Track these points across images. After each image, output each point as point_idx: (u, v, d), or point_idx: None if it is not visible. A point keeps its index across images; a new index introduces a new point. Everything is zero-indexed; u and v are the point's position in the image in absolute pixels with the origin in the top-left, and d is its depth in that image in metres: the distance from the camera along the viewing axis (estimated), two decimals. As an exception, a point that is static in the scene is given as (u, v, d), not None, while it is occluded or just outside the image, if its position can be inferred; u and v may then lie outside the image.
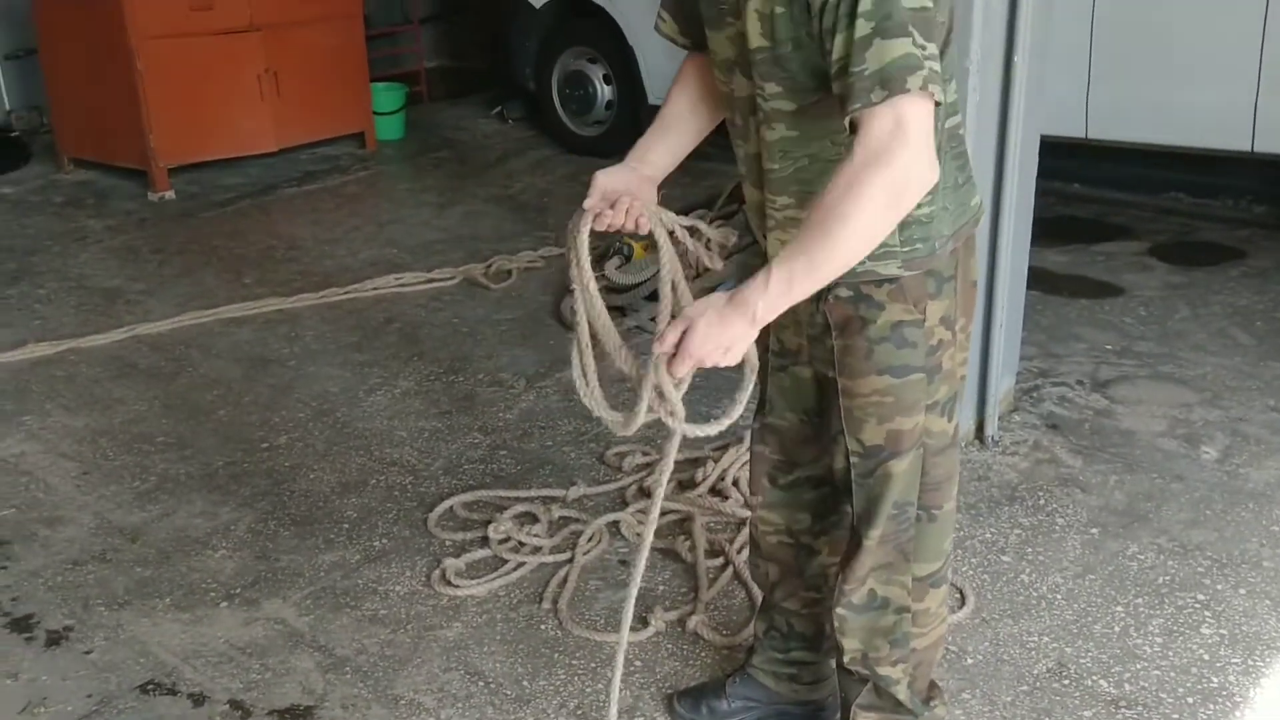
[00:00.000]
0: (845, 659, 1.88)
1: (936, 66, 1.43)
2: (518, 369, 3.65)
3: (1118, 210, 4.94)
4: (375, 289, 4.31)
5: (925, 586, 1.85)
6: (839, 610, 1.84)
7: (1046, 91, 3.01)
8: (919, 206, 1.60)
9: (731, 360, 1.54)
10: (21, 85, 6.39)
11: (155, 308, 4.20)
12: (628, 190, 1.71)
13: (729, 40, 1.62)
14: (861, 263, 1.59)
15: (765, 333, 1.87)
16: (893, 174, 1.42)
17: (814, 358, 1.78)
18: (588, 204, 1.70)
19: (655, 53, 5.48)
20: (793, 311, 1.75)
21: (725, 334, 1.51)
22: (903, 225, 1.60)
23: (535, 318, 4.05)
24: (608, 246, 4.10)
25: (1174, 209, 4.92)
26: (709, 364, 1.54)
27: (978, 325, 2.96)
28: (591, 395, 1.70)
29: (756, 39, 1.55)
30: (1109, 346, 3.68)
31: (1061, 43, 3.28)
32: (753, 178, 1.72)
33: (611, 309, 1.83)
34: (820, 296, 1.66)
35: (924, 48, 1.41)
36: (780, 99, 1.58)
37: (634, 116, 5.85)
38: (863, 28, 1.40)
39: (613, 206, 1.69)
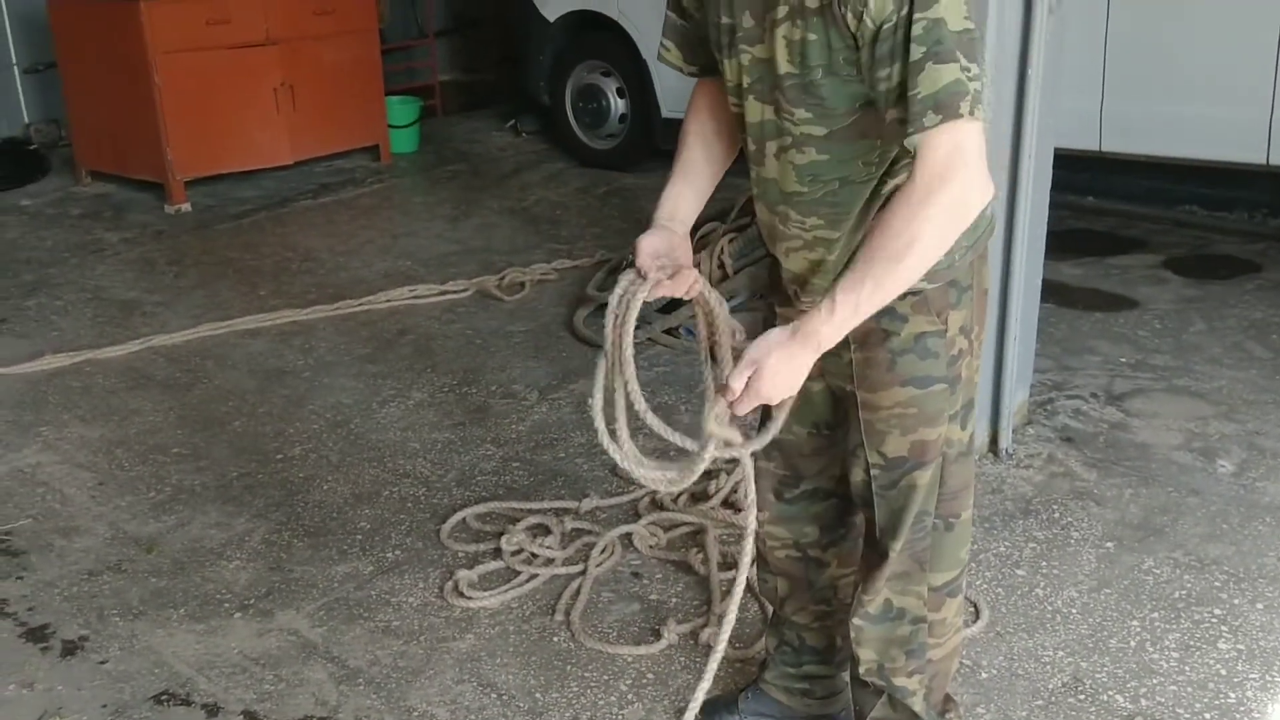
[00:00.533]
0: (861, 670, 1.87)
1: (980, 87, 1.45)
2: (530, 381, 3.65)
3: (1132, 223, 4.93)
4: (389, 301, 4.32)
5: (942, 596, 1.84)
6: (855, 620, 1.84)
7: (1060, 104, 3.01)
8: None
9: (795, 391, 1.60)
10: (40, 99, 6.45)
11: (171, 319, 4.22)
12: (670, 253, 1.72)
13: (743, 66, 1.61)
14: None
15: None
16: (953, 196, 1.46)
17: (828, 371, 1.77)
18: (646, 268, 1.69)
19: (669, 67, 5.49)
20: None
21: (794, 370, 1.57)
22: None
23: (548, 330, 4.06)
24: (619, 260, 4.07)
25: (1189, 222, 4.90)
26: (776, 401, 1.60)
27: (991, 338, 2.96)
28: (629, 457, 1.72)
29: (785, 65, 1.55)
30: (1124, 359, 3.67)
31: (1076, 55, 3.29)
32: (769, 198, 1.71)
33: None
34: None
35: (969, 69, 1.43)
36: (811, 124, 1.58)
37: (647, 130, 5.87)
38: (915, 53, 1.42)
39: (671, 277, 1.69)
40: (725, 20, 1.61)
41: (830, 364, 1.75)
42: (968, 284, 1.71)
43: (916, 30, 1.41)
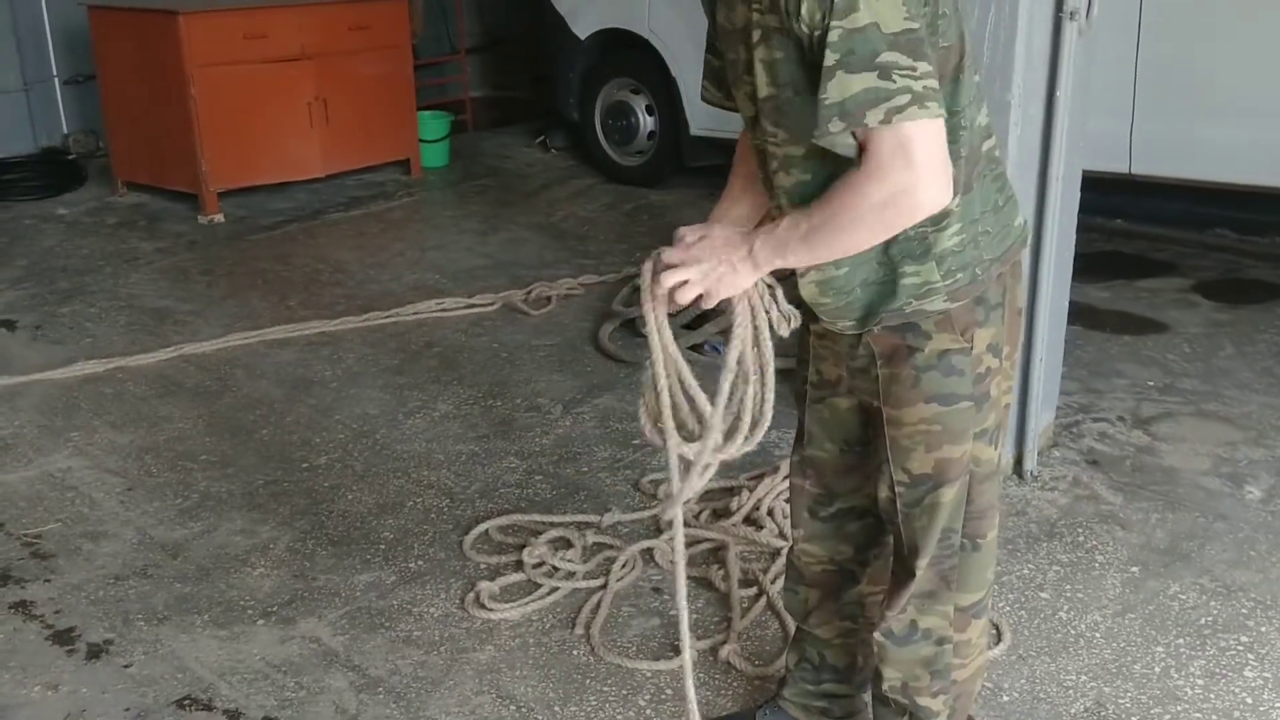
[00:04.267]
0: (884, 687, 1.87)
1: (931, 84, 1.44)
2: (555, 395, 3.67)
3: (1162, 246, 4.89)
4: (417, 313, 4.35)
5: (967, 617, 1.84)
6: (878, 637, 1.83)
7: (1089, 126, 3.00)
8: (949, 237, 1.62)
9: (717, 293, 1.60)
10: (79, 109, 6.56)
11: (202, 328, 4.27)
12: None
13: (747, 97, 1.65)
14: (908, 303, 1.64)
15: (804, 363, 1.88)
16: (888, 191, 1.47)
17: (856, 388, 1.78)
18: (678, 234, 1.68)
19: (697, 84, 5.51)
20: (832, 342, 1.77)
21: (729, 253, 1.59)
22: (940, 259, 1.62)
23: (574, 344, 4.08)
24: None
25: (1219, 246, 4.86)
26: (696, 280, 1.59)
27: (1018, 359, 2.94)
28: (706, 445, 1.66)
29: (765, 88, 1.58)
30: (1151, 383, 3.64)
31: (1105, 78, 3.27)
32: None
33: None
34: (864, 329, 1.68)
35: (912, 69, 1.43)
36: (789, 144, 1.61)
37: (676, 147, 5.88)
38: (829, 58, 1.44)
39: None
40: (730, 56, 1.66)
41: (859, 380, 1.76)
42: (997, 301, 1.70)
43: (831, 37, 1.43)
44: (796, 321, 1.67)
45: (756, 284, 1.63)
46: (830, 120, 1.45)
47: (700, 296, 1.61)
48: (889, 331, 1.67)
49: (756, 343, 1.64)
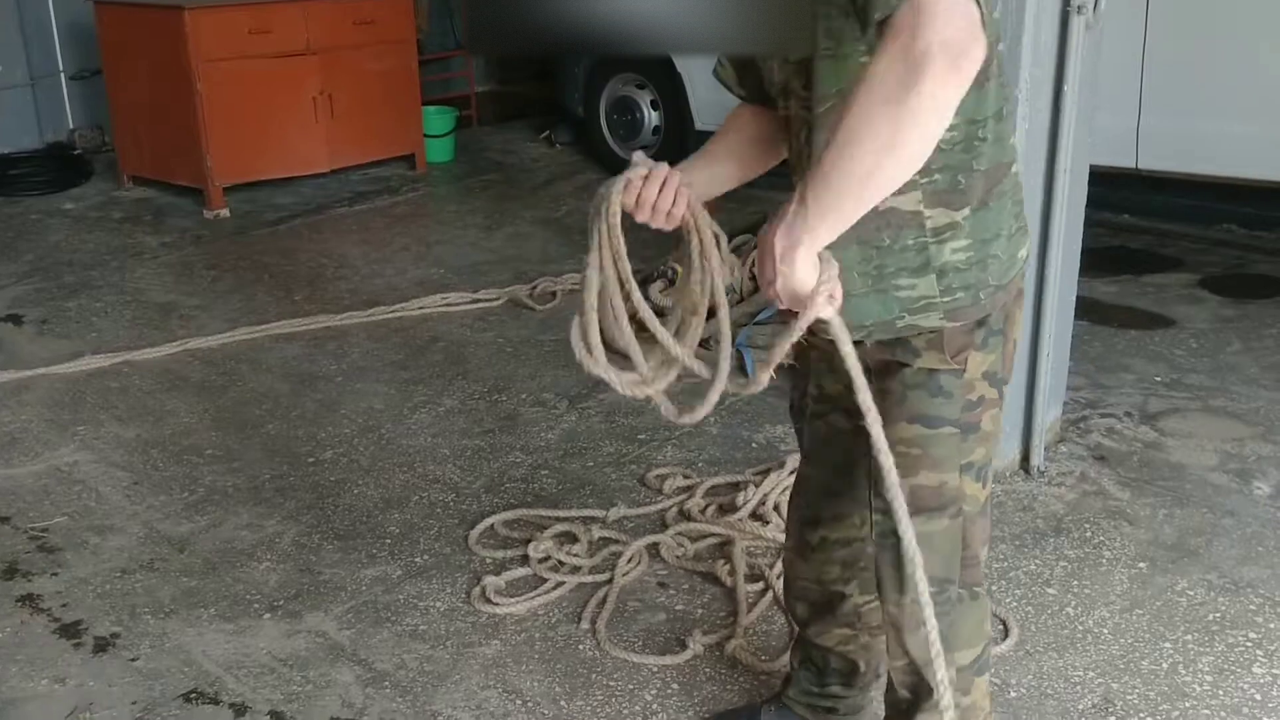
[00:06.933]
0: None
1: None
2: (560, 390, 3.66)
3: (1169, 241, 4.88)
4: (422, 308, 4.35)
5: (969, 676, 1.73)
6: (886, 700, 1.79)
7: (1097, 121, 2.99)
8: (952, 251, 1.52)
9: (808, 278, 1.37)
10: (85, 104, 6.56)
11: (208, 323, 4.27)
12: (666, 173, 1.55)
13: (786, 63, 1.54)
14: (900, 317, 1.55)
15: (804, 377, 1.83)
16: (907, 62, 1.24)
17: (850, 405, 1.61)
18: (630, 172, 1.54)
19: (703, 79, 5.48)
20: (832, 358, 1.63)
21: (797, 238, 1.35)
22: (940, 273, 1.53)
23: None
24: (651, 271, 4.10)
25: (1226, 241, 4.85)
26: (801, 283, 1.38)
27: (1024, 354, 2.94)
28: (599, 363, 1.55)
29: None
30: (1159, 378, 3.63)
31: (1113, 73, 3.27)
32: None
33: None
34: (860, 342, 1.57)
35: None
36: (833, 92, 1.46)
37: (681, 142, 5.88)
38: None
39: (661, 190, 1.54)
40: None
41: (850, 396, 1.63)
42: (999, 327, 1.61)
43: None
44: (738, 272, 1.58)
45: (705, 219, 1.52)
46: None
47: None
48: (880, 346, 1.61)
49: (704, 274, 1.54)
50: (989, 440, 1.65)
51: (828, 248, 1.39)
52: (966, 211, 1.52)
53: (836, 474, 1.79)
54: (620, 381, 1.55)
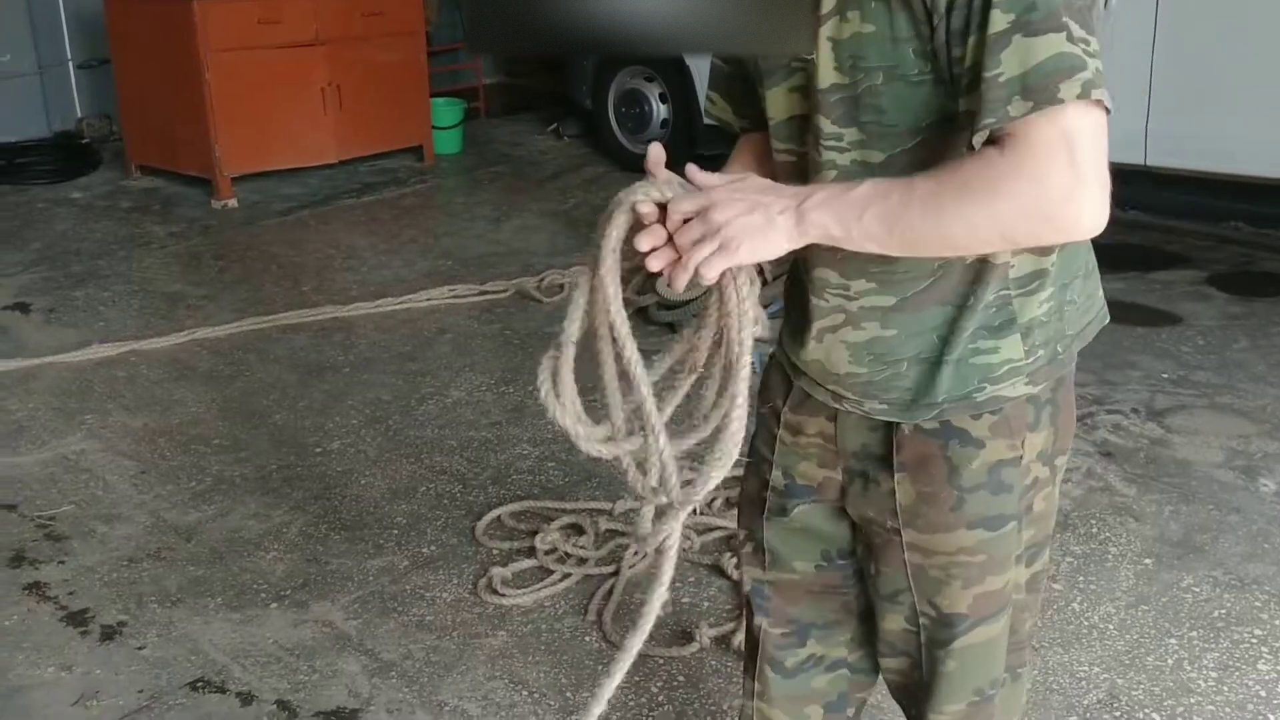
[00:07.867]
0: None
1: (1101, 66, 1.08)
2: (567, 382, 3.66)
3: (1176, 238, 4.87)
4: (429, 300, 4.36)
5: None
6: None
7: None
8: (1039, 304, 1.26)
9: (736, 249, 1.13)
10: (93, 94, 6.58)
11: (215, 313, 4.28)
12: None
13: (789, 92, 1.27)
14: (980, 389, 1.26)
15: (765, 463, 1.46)
16: (1044, 195, 1.07)
17: (852, 501, 1.39)
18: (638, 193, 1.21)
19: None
20: (820, 434, 1.38)
21: (768, 201, 1.14)
22: (1025, 332, 1.27)
23: (586, 332, 4.06)
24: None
25: (1234, 238, 4.83)
26: (720, 219, 1.14)
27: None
28: (567, 411, 1.36)
29: (830, 75, 1.20)
30: (1165, 375, 3.63)
31: (1122, 70, 3.26)
32: (819, 257, 1.29)
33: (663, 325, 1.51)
34: (890, 424, 1.31)
35: (1086, 42, 1.07)
36: (863, 148, 1.21)
37: (689, 135, 5.88)
38: (999, 21, 1.06)
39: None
40: None
41: (857, 490, 1.37)
42: (1047, 398, 1.32)
43: None
44: (765, 329, 1.22)
45: (744, 270, 1.19)
46: (1010, 100, 1.06)
47: (671, 270, 1.19)
48: (925, 436, 1.30)
49: (724, 335, 1.22)
50: (1040, 521, 1.39)
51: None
52: (1054, 256, 1.26)
53: (827, 564, 1.47)
54: (586, 437, 1.34)
